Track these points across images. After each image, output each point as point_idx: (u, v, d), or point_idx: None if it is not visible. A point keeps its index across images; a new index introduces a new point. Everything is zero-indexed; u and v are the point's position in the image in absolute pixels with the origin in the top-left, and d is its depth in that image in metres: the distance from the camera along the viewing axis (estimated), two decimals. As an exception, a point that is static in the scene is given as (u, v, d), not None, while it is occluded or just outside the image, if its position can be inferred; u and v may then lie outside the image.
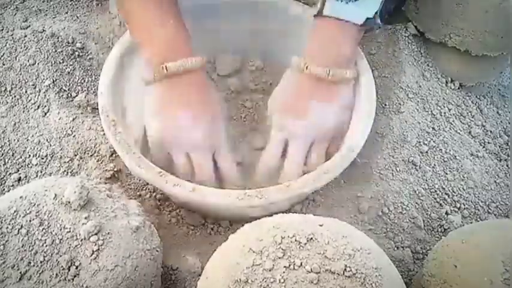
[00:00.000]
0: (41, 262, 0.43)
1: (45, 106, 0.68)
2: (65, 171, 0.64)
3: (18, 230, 0.43)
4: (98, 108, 0.59)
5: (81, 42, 0.72)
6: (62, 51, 0.70)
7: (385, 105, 0.72)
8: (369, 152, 0.68)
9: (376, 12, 0.58)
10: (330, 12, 0.58)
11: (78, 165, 0.64)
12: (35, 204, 0.45)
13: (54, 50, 0.70)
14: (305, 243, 0.40)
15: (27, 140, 0.66)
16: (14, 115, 0.67)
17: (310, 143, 0.61)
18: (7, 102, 0.68)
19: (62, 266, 0.43)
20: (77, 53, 0.71)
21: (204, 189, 0.52)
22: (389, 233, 0.62)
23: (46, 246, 0.43)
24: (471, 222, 0.64)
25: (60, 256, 0.43)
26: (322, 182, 0.55)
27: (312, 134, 0.60)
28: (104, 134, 0.64)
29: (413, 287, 0.56)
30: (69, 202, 0.45)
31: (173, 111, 0.57)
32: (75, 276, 0.43)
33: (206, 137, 0.57)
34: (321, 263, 0.39)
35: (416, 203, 0.64)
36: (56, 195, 0.46)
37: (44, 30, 0.71)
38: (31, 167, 0.64)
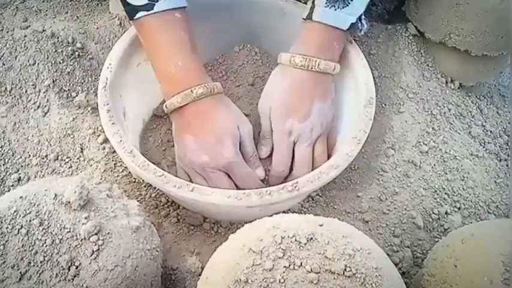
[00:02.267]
0: (41, 262, 0.42)
1: (45, 106, 0.68)
2: (64, 171, 0.64)
3: (18, 230, 0.43)
4: (97, 108, 0.59)
5: (81, 42, 0.72)
6: (62, 51, 0.70)
7: (385, 105, 0.72)
8: (369, 152, 0.68)
9: (359, 17, 0.61)
10: (319, 19, 0.61)
11: (78, 165, 0.64)
12: (35, 204, 0.45)
13: (54, 50, 0.70)
14: (305, 243, 0.40)
15: (27, 140, 0.66)
16: (14, 115, 0.67)
17: (315, 141, 0.62)
18: (7, 102, 0.68)
19: (62, 266, 0.43)
20: (77, 53, 0.71)
21: (203, 188, 0.52)
22: (389, 233, 0.62)
23: (46, 246, 0.43)
24: (471, 222, 0.64)
25: (60, 256, 0.43)
26: (322, 182, 0.54)
27: (316, 132, 0.62)
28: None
29: (413, 287, 0.56)
30: (69, 202, 0.45)
31: (181, 138, 0.60)
32: (75, 276, 0.43)
33: (212, 159, 0.58)
34: (321, 263, 0.39)
35: (416, 203, 0.64)
36: (56, 195, 0.46)
37: (44, 30, 0.71)
38: (31, 167, 0.64)
